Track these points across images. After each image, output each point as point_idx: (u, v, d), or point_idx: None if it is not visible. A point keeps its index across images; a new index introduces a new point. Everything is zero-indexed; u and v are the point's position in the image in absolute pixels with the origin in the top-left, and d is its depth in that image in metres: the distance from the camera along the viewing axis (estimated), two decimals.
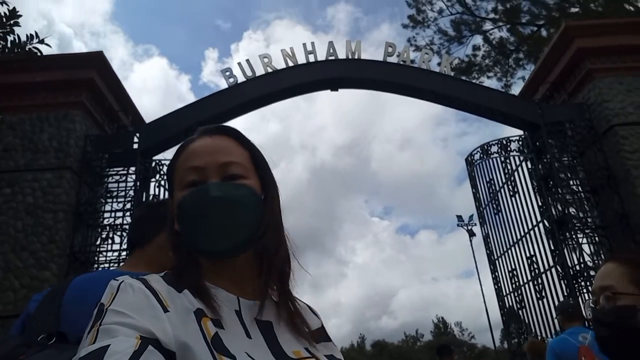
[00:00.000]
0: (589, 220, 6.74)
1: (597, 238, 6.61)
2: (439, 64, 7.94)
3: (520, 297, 7.36)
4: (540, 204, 7.16)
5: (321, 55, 7.51)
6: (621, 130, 6.65)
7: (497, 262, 7.95)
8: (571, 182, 7.00)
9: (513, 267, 7.55)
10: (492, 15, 16.70)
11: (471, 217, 24.35)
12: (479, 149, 8.24)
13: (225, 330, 0.69)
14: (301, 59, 7.44)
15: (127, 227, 6.39)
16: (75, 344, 0.70)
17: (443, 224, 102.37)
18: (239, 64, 7.33)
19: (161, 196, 6.82)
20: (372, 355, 44.26)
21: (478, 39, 17.27)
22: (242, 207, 0.77)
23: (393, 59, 7.65)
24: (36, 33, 9.31)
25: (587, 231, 6.63)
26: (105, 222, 6.46)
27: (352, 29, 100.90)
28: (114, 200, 6.61)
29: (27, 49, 8.92)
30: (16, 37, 9.28)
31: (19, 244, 5.66)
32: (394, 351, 43.30)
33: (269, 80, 7.29)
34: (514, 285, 7.50)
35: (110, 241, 6.35)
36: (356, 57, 7.54)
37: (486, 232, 8.27)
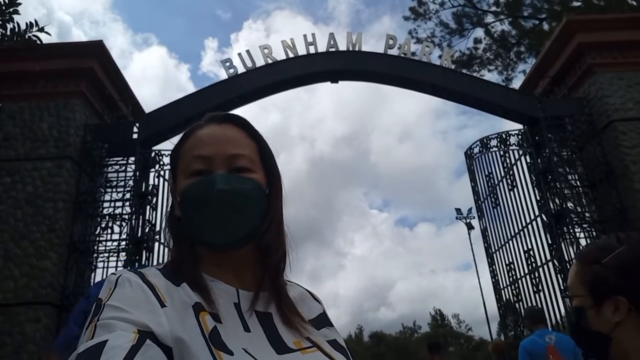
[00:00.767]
0: (587, 214, 6.77)
1: (594, 232, 6.65)
2: (440, 57, 7.90)
3: (517, 290, 7.40)
4: (538, 198, 7.19)
5: (322, 47, 7.50)
6: (620, 126, 6.66)
7: (494, 255, 7.98)
8: (570, 177, 7.03)
9: (510, 260, 7.58)
10: (493, 8, 16.64)
11: (470, 210, 24.43)
12: (478, 143, 8.24)
13: (224, 324, 0.69)
14: (302, 50, 7.42)
15: (126, 217, 6.41)
16: None
17: (442, 216, 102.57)
18: (239, 54, 7.32)
19: (160, 186, 6.83)
20: (370, 346, 44.52)
21: (479, 32, 17.20)
22: (248, 201, 0.77)
23: (394, 52, 7.64)
24: (36, 21, 9.25)
25: (584, 225, 6.66)
26: (105, 211, 6.47)
27: (353, 21, 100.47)
28: (114, 190, 6.62)
29: (26, 37, 8.90)
30: (16, 25, 9.25)
31: (19, 232, 5.68)
32: (392, 342, 43.55)
33: (269, 71, 7.27)
34: (511, 279, 7.54)
35: (109, 231, 6.37)
36: (357, 49, 7.52)
37: (484, 225, 8.30)
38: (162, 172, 6.90)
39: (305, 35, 7.47)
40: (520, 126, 7.78)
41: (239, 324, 0.71)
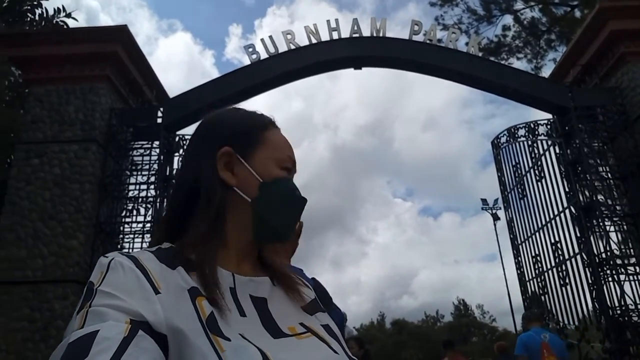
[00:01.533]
0: (618, 207, 6.57)
1: (625, 226, 6.46)
2: (467, 44, 7.72)
3: (543, 282, 7.27)
4: (567, 189, 7.01)
5: (345, 33, 7.40)
6: None
7: (520, 247, 7.86)
8: (600, 169, 6.82)
9: (537, 252, 7.46)
10: None
11: (496, 201, 24.02)
12: (505, 132, 8.09)
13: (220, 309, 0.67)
14: (325, 36, 7.34)
15: (151, 199, 6.49)
16: None
17: (467, 207, 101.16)
18: (262, 40, 7.28)
19: None
20: (392, 333, 44.49)
21: (508, 19, 16.79)
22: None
23: (419, 38, 7.49)
24: (63, 7, 9.36)
25: (615, 219, 6.48)
26: (130, 194, 6.57)
27: (379, 7, 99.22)
28: (139, 173, 6.71)
29: (54, 22, 9.03)
30: (44, 11, 9.41)
31: (47, 213, 5.80)
32: (414, 330, 43.38)
33: (291, 57, 7.22)
34: (537, 271, 7.41)
35: (135, 213, 6.47)
36: (381, 35, 7.41)
37: (510, 216, 8.18)
38: None
39: (328, 21, 7.39)
40: (549, 116, 7.58)
41: (235, 308, 0.70)
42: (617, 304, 6.04)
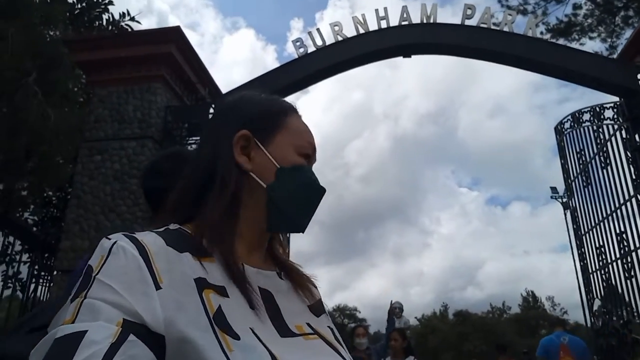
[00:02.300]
0: None
1: None
2: (537, 25, 7.28)
3: (607, 275, 6.85)
4: (634, 177, 6.52)
5: (394, 21, 7.26)
6: None
7: (584, 237, 7.43)
8: None
9: (601, 243, 7.02)
10: None
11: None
12: (569, 117, 7.64)
13: (230, 298, 0.65)
14: (373, 26, 7.25)
15: None
16: None
17: (537, 196, 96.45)
18: (309, 33, 7.32)
19: None
20: (455, 324, 43.68)
21: None
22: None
23: (472, 22, 7.20)
24: (128, 11, 9.89)
25: None
26: None
27: None
28: None
29: (119, 26, 9.57)
30: (110, 16, 9.99)
31: (108, 206, 6.21)
32: (477, 321, 42.32)
33: (339, 49, 7.20)
34: (601, 263, 6.98)
35: None
36: (431, 21, 7.20)
37: (574, 205, 7.75)
38: None
39: (377, 10, 7.27)
40: (617, 99, 7.05)
41: (244, 300, 0.67)
42: None
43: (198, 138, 7.08)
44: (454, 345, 38.59)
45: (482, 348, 36.89)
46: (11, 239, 6.55)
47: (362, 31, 7.26)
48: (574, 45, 14.22)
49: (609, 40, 15.68)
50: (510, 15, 7.37)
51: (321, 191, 0.80)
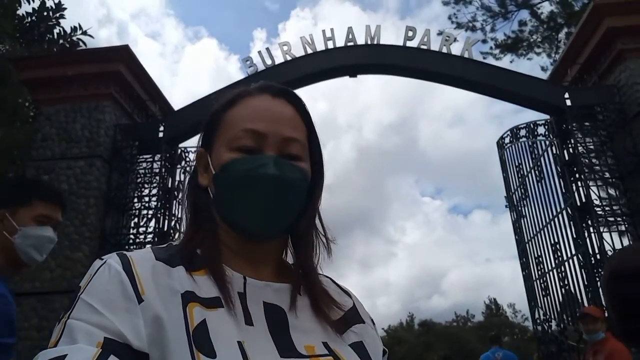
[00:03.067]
0: (615, 207, 6.50)
1: (624, 226, 6.38)
2: (484, 42, 7.68)
3: (545, 284, 7.24)
4: (564, 190, 6.97)
5: (340, 42, 7.56)
6: None
7: (526, 246, 7.83)
8: (599, 168, 6.76)
9: (539, 253, 7.43)
10: None
11: None
12: (509, 132, 8.07)
13: (224, 310, 0.63)
14: (320, 46, 7.52)
15: (153, 212, 6.79)
16: None
17: (497, 204, 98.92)
18: (259, 52, 7.54)
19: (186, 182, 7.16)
20: (420, 334, 44.08)
21: (525, 14, 16.48)
22: (295, 193, 0.70)
23: (413, 44, 7.57)
24: (79, 25, 9.81)
25: (611, 219, 6.41)
26: (135, 206, 6.89)
27: (402, 7, 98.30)
28: (143, 185, 7.02)
29: (69, 40, 9.48)
30: (61, 30, 9.88)
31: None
32: (441, 331, 42.90)
33: (287, 68, 7.43)
34: (540, 272, 7.38)
35: (139, 224, 6.78)
36: (375, 42, 7.52)
37: (515, 217, 8.15)
38: (188, 169, 7.24)
39: (323, 31, 7.56)
40: (548, 116, 7.54)
41: (241, 315, 0.64)
42: None
43: (148, 156, 7.11)
44: (420, 356, 39.01)
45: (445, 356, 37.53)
46: None
47: (310, 51, 7.51)
48: (522, 60, 14.87)
49: (554, 55, 16.58)
50: (447, 38, 7.76)
51: (266, 177, 0.67)
